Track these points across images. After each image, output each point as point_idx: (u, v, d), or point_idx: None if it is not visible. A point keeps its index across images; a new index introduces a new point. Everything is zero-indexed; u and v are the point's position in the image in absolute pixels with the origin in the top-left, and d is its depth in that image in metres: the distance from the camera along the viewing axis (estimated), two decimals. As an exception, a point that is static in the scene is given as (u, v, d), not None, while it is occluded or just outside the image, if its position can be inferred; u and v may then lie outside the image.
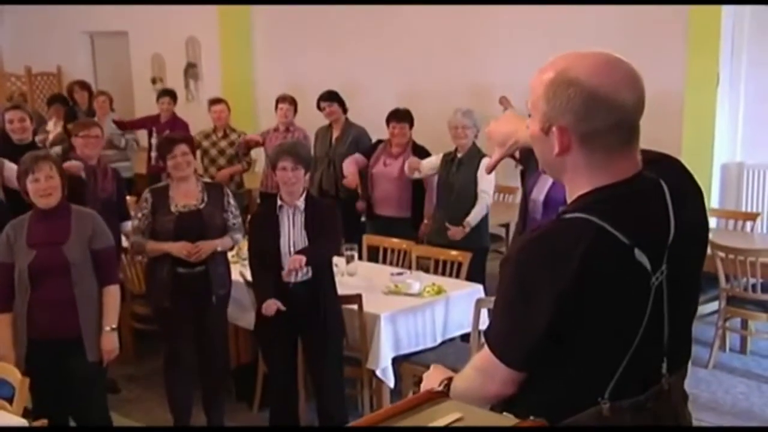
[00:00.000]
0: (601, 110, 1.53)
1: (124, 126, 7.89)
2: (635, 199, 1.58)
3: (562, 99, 1.54)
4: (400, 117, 6.08)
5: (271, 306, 4.10)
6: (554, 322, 1.51)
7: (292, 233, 4.17)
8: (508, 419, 1.37)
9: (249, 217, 4.93)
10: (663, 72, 6.32)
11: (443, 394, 1.42)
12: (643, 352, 1.58)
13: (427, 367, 4.64)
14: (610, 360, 1.58)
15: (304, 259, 4.07)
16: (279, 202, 4.22)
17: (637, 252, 1.52)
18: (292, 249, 4.15)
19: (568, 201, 1.63)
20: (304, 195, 4.22)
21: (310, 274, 4.16)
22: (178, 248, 4.26)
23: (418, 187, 5.99)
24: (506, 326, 1.60)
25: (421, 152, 6.03)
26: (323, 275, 4.21)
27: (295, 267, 4.08)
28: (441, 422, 1.33)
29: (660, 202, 1.61)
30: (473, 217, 5.32)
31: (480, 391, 1.66)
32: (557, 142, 1.57)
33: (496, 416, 1.36)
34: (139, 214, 4.38)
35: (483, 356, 1.66)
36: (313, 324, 4.18)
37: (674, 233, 1.59)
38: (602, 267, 1.50)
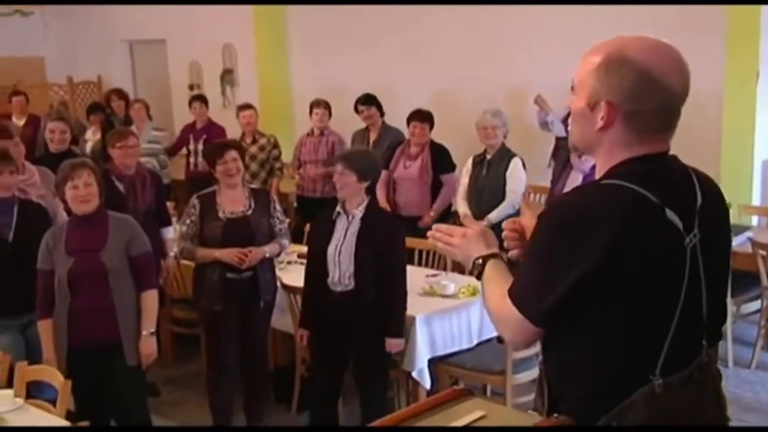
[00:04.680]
0: (651, 91, 1.59)
1: (173, 152, 7.96)
2: (663, 168, 1.66)
3: (615, 76, 1.60)
4: (422, 117, 6.10)
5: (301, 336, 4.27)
6: (586, 285, 1.55)
7: (342, 241, 4.11)
8: (531, 417, 1.37)
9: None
10: (702, 69, 6.14)
11: (468, 392, 1.43)
12: (687, 323, 1.61)
13: (464, 369, 4.64)
14: (656, 330, 1.60)
15: (400, 343, 4.13)
16: (338, 209, 4.19)
17: (668, 211, 1.58)
18: (337, 257, 4.10)
19: (598, 175, 1.69)
20: (363, 204, 4.15)
21: (354, 284, 4.09)
22: (229, 255, 4.29)
23: (438, 186, 5.98)
24: (534, 280, 1.63)
25: (440, 151, 6.06)
26: (367, 287, 4.09)
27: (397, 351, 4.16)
28: (464, 420, 1.33)
29: (686, 176, 1.69)
30: (496, 215, 5.29)
31: (495, 322, 1.73)
32: (603, 117, 1.63)
33: (519, 414, 1.36)
34: (188, 221, 4.43)
35: (504, 303, 1.68)
36: (359, 333, 4.13)
37: (701, 202, 1.66)
38: (637, 227, 1.56)
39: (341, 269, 4.10)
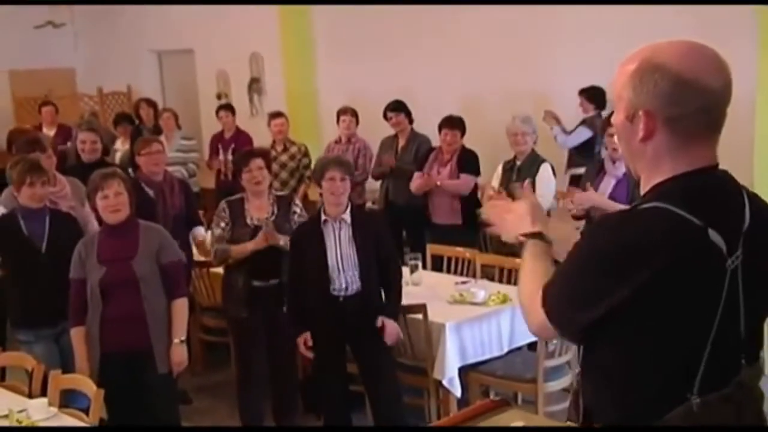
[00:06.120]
0: (688, 94, 1.56)
1: (212, 165, 7.98)
2: (710, 186, 1.62)
3: (649, 84, 1.58)
4: (453, 124, 6.09)
5: (303, 342, 4.21)
6: (622, 308, 1.54)
7: (339, 247, 4.15)
8: (570, 428, 1.35)
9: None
10: (733, 73, 6.11)
11: (505, 403, 1.42)
12: (724, 341, 1.58)
13: (495, 377, 4.63)
14: (692, 350, 1.58)
15: (397, 329, 4.17)
16: (323, 217, 4.18)
17: (711, 232, 1.54)
18: (340, 262, 4.13)
19: (643, 190, 1.66)
20: (349, 208, 4.21)
21: (360, 286, 4.16)
22: (259, 242, 4.32)
23: (469, 195, 5.96)
24: (569, 294, 1.64)
25: (471, 157, 6.04)
26: (372, 286, 4.21)
27: (395, 340, 4.19)
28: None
29: (736, 193, 1.65)
30: None
31: (522, 311, 1.77)
32: (643, 127, 1.60)
33: (558, 425, 1.34)
34: (222, 224, 4.47)
35: (535, 300, 1.69)
36: (364, 333, 4.18)
37: (749, 221, 1.61)
38: (679, 255, 1.53)
39: (347, 275, 4.13)
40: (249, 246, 4.36)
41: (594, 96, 6.94)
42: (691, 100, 1.57)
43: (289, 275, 4.31)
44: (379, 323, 4.14)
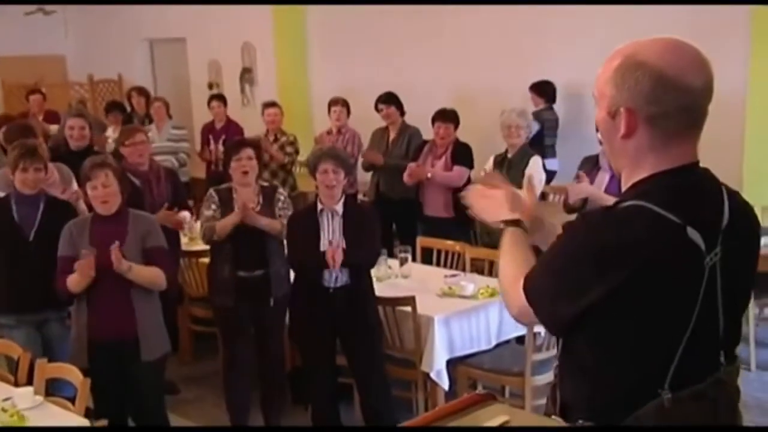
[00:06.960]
0: (669, 92, 1.56)
1: (204, 155, 7.94)
2: (690, 183, 1.62)
3: (630, 82, 1.58)
4: (446, 117, 6.08)
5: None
6: (600, 304, 1.55)
7: (331, 238, 4.17)
8: (555, 422, 1.35)
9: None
10: (726, 70, 6.08)
11: (491, 396, 1.41)
12: (701, 337, 1.59)
13: (483, 370, 4.64)
14: (667, 345, 1.59)
15: (340, 252, 4.05)
16: (320, 206, 4.23)
17: (689, 230, 1.55)
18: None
19: (624, 187, 1.67)
20: (342, 199, 4.24)
21: (349, 279, 4.17)
22: (237, 215, 4.30)
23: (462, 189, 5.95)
24: (550, 287, 1.65)
25: (464, 150, 6.03)
26: (363, 279, 4.24)
27: (332, 255, 4.05)
28: (489, 425, 1.32)
29: (715, 190, 1.66)
30: None
31: (503, 296, 1.78)
32: (624, 125, 1.61)
33: (543, 419, 1.35)
34: (213, 206, 4.45)
35: (517, 286, 1.71)
36: (354, 326, 4.21)
37: (728, 219, 1.62)
38: (657, 253, 1.53)
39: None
40: (229, 220, 4.33)
41: (543, 90, 6.99)
42: (672, 98, 1.57)
43: (290, 263, 4.35)
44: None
